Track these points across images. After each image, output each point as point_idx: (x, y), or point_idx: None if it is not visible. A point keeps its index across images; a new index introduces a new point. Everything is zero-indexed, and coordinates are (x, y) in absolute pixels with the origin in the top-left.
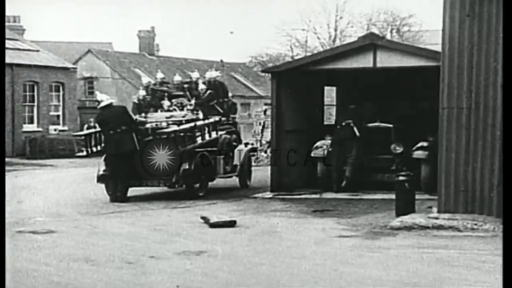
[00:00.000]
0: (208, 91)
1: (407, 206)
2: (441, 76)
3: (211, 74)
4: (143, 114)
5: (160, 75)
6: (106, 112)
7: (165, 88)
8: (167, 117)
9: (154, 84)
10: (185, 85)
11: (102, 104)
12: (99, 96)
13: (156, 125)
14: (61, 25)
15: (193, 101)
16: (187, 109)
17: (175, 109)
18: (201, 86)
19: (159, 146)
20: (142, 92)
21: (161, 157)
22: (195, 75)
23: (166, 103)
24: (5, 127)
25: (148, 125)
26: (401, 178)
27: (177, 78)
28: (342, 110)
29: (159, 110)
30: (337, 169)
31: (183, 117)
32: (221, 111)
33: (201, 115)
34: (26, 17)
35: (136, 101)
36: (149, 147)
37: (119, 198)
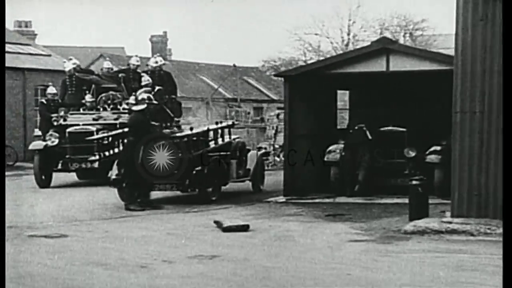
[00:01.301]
0: (157, 88)
1: (420, 211)
2: (454, 80)
3: (156, 60)
4: (61, 114)
5: (77, 61)
6: (131, 116)
7: (94, 77)
8: (94, 119)
9: (75, 73)
10: (120, 75)
11: (134, 108)
12: (142, 94)
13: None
14: (73, 30)
15: (131, 99)
16: (124, 109)
17: (104, 108)
18: (145, 79)
19: (171, 150)
20: (52, 90)
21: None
22: (134, 61)
23: (89, 98)
24: (5, 129)
25: (70, 129)
26: (414, 182)
27: (107, 64)
28: (355, 114)
29: (81, 109)
30: (350, 173)
31: (116, 120)
32: (171, 114)
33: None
34: (38, 22)
35: (44, 101)
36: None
37: (128, 205)
